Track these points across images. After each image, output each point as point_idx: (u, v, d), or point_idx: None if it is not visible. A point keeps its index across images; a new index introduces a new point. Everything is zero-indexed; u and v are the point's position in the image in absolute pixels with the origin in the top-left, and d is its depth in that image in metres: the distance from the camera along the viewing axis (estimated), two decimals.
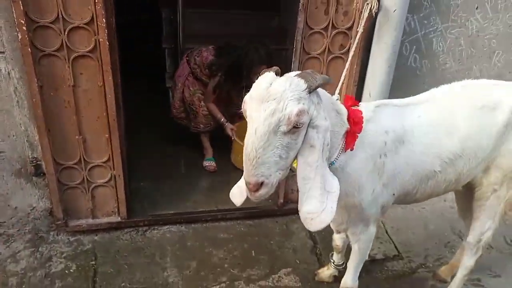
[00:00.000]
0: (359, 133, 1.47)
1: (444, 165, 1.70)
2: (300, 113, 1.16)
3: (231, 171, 3.28)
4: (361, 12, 2.16)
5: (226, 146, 3.38)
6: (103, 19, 2.01)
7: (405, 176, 1.65)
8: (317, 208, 1.26)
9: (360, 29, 2.06)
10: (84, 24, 2.02)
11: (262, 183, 1.21)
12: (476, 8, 2.65)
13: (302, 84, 1.19)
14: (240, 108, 1.29)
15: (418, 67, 2.73)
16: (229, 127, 3.26)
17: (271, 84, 1.19)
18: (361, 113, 1.50)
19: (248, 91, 1.26)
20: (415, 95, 1.83)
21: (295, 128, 1.18)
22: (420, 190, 1.76)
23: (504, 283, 2.49)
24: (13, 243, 2.45)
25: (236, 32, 4.25)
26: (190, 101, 3.25)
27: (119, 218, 2.58)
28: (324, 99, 1.32)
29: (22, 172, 2.39)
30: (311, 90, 1.21)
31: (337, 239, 2.20)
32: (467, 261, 2.11)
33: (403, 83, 2.65)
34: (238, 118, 3.36)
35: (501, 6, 2.67)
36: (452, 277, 2.46)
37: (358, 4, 2.31)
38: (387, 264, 2.59)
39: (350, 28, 2.39)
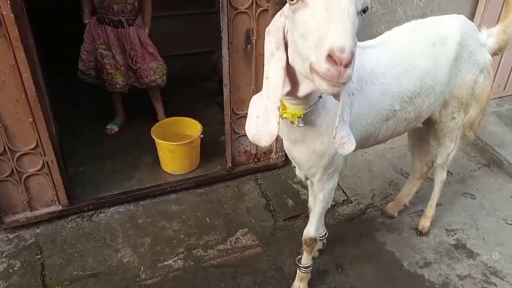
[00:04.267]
0: None
1: (404, 104, 1.77)
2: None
3: None
4: None
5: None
6: None
7: (368, 118, 1.69)
8: (347, 133, 1.38)
9: None
10: None
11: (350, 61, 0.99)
12: None
13: None
14: None
15: None
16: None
17: None
18: None
19: None
20: None
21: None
22: (382, 132, 1.81)
23: (444, 209, 2.68)
24: None
25: None
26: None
27: (60, 206, 2.42)
28: None
29: None
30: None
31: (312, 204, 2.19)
32: (440, 176, 2.42)
33: None
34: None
35: None
36: (399, 212, 2.63)
37: None
38: (338, 209, 2.67)
39: None
